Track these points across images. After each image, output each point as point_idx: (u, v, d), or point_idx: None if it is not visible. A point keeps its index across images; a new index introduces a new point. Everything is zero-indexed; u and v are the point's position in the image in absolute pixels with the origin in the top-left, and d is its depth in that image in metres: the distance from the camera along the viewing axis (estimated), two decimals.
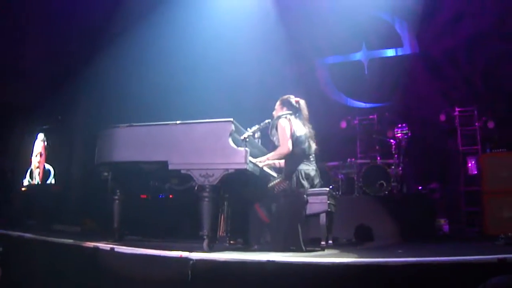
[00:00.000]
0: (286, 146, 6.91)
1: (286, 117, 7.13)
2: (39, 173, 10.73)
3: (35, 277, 5.57)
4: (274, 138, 7.18)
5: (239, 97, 13.26)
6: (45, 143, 10.84)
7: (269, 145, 7.70)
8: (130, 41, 11.60)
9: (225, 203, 7.58)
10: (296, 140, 7.00)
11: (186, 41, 12.50)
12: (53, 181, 10.93)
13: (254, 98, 12.69)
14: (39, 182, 10.75)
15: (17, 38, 10.92)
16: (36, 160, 10.77)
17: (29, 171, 10.76)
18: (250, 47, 13.38)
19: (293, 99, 7.38)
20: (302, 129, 7.14)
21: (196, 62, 12.56)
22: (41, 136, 10.84)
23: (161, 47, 12.43)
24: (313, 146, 7.26)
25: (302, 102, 7.40)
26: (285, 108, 7.31)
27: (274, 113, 7.39)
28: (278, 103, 7.42)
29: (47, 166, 10.85)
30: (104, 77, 11.63)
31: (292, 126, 7.03)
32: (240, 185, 6.99)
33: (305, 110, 7.37)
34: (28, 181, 10.74)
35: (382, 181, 11.27)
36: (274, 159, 7.17)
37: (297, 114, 7.29)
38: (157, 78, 12.32)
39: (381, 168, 11.51)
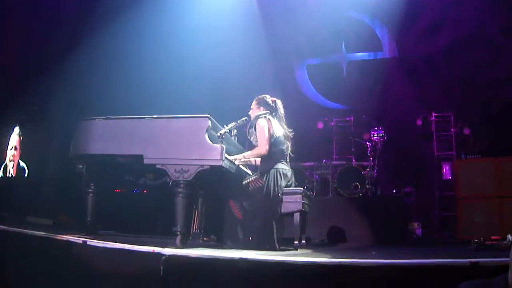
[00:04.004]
0: (264, 147, 6.91)
1: (265, 117, 7.12)
2: (13, 166, 10.61)
3: (6, 269, 5.53)
4: (252, 138, 7.18)
5: (219, 94, 13.24)
6: (21, 137, 10.72)
7: (245, 143, 7.70)
8: (111, 32, 11.51)
9: (200, 199, 7.56)
10: (275, 141, 7.00)
11: (168, 35, 12.48)
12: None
13: (232, 95, 12.67)
14: (13, 175, 10.64)
15: None
16: (10, 153, 10.64)
17: (3, 166, 10.63)
18: (230, 44, 13.38)
19: (269, 98, 7.36)
20: (280, 129, 7.15)
21: (178, 57, 12.53)
22: (17, 130, 10.72)
23: (142, 40, 12.39)
24: (290, 146, 7.26)
25: (279, 102, 7.40)
26: (262, 108, 7.29)
27: (250, 113, 7.36)
28: (254, 103, 7.39)
29: (22, 164, 10.74)
30: (85, 68, 11.54)
31: (271, 126, 7.02)
32: (215, 182, 6.98)
33: (281, 110, 7.36)
34: (1, 176, 10.62)
35: (356, 183, 11.30)
36: (250, 158, 7.17)
37: (273, 114, 7.28)
38: (137, 71, 12.24)
39: (356, 170, 11.54)
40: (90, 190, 7.07)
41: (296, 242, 6.81)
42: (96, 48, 11.38)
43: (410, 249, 8.24)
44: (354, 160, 12.20)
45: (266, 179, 6.82)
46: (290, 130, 7.33)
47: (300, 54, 15.26)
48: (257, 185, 6.84)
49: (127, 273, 4.94)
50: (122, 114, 6.80)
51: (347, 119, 13.34)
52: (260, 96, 7.39)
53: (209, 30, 13.03)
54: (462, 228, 10.10)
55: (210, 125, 6.20)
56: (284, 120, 7.34)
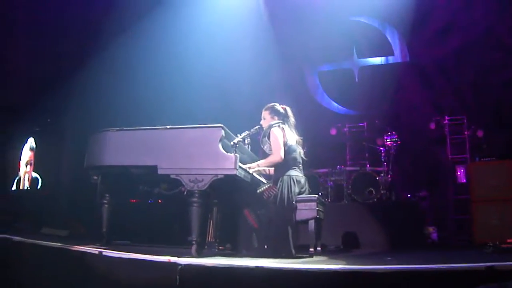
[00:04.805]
0: (278, 155, 6.94)
1: (279, 126, 7.17)
2: (28, 179, 10.65)
3: (22, 280, 5.55)
4: (265, 146, 7.21)
5: (230, 102, 13.25)
6: (34, 151, 10.76)
7: (259, 151, 7.71)
8: (122, 44, 11.59)
9: (214, 208, 7.58)
10: (288, 149, 7.05)
11: (178, 45, 12.51)
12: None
13: (244, 103, 12.67)
14: (28, 188, 10.69)
15: (6, 38, 10.89)
16: (24, 168, 10.68)
17: (16, 179, 10.67)
18: (241, 52, 13.39)
19: (279, 106, 7.41)
20: (293, 137, 7.19)
21: (188, 66, 12.54)
22: (30, 142, 10.75)
23: (153, 51, 12.42)
24: (302, 152, 7.29)
25: (289, 109, 7.46)
26: (276, 117, 7.33)
27: (262, 122, 7.38)
28: (265, 112, 7.42)
29: (35, 175, 10.78)
30: (96, 80, 11.59)
31: (285, 135, 7.07)
32: (229, 191, 6.99)
33: (292, 117, 7.42)
34: (15, 189, 10.66)
35: (371, 189, 11.27)
36: (264, 166, 7.17)
37: (285, 121, 7.31)
38: (149, 82, 12.30)
39: (370, 175, 11.50)
40: (105, 201, 7.09)
41: (311, 249, 6.81)
42: (108, 60, 11.43)
43: (425, 254, 8.22)
44: (368, 166, 12.15)
45: (280, 186, 6.85)
46: (300, 137, 7.36)
47: (311, 61, 15.27)
48: (271, 193, 6.85)
49: (143, 283, 4.94)
50: (134, 125, 6.82)
51: (360, 124, 13.31)
52: (270, 105, 7.42)
53: (218, 39, 13.07)
54: (478, 231, 10.04)
55: (224, 134, 6.20)
56: (294, 126, 7.37)
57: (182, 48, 12.57)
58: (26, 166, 10.60)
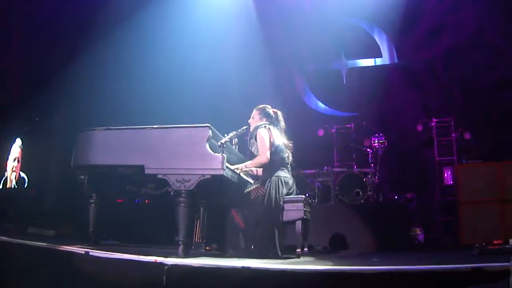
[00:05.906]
0: (265, 155, 6.92)
1: (265, 127, 7.14)
2: (15, 177, 10.58)
3: (9, 280, 5.52)
4: (253, 148, 7.19)
5: (218, 102, 13.24)
6: (22, 149, 10.69)
7: (246, 152, 7.70)
8: (111, 44, 11.56)
9: (202, 208, 7.57)
10: (275, 150, 7.02)
11: (166, 45, 12.49)
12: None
13: (232, 104, 12.66)
14: (15, 186, 10.62)
15: None
16: (12, 164, 10.60)
17: (3, 178, 10.59)
18: (230, 53, 13.39)
19: (270, 109, 7.40)
20: (280, 138, 7.16)
21: (177, 66, 12.54)
22: (19, 141, 10.68)
23: (142, 50, 12.41)
24: (290, 155, 7.27)
25: (280, 113, 7.44)
26: (264, 119, 7.31)
27: (250, 121, 7.38)
28: (255, 112, 7.41)
29: (22, 174, 10.71)
30: (84, 79, 11.57)
31: (271, 135, 7.05)
32: (216, 191, 6.97)
33: (282, 122, 7.40)
34: (2, 187, 10.58)
35: (358, 190, 11.28)
36: (251, 167, 7.16)
37: (274, 124, 7.30)
38: (137, 81, 12.27)
39: (357, 176, 11.52)
40: (92, 201, 7.05)
41: (298, 250, 6.79)
42: (96, 60, 11.40)
43: (412, 255, 8.23)
44: (355, 167, 12.17)
45: (267, 187, 6.83)
46: (290, 141, 7.35)
47: (300, 62, 15.26)
48: (258, 193, 6.84)
49: (129, 283, 4.92)
50: (123, 124, 6.80)
51: (348, 126, 13.29)
52: (261, 106, 7.41)
53: (208, 40, 13.05)
54: (465, 233, 10.10)
55: (211, 134, 6.18)
56: (284, 131, 7.36)
57: (171, 48, 12.54)
58: (14, 161, 10.51)
